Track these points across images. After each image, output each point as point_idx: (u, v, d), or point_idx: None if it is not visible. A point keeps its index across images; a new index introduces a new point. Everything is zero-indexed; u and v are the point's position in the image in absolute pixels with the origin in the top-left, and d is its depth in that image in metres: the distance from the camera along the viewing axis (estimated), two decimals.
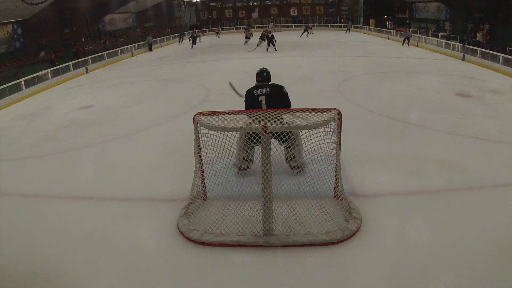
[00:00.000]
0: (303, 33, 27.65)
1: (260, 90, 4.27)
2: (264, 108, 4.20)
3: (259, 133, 3.20)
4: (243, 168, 4.44)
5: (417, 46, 19.57)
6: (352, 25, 32.12)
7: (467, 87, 9.69)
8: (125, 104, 9.22)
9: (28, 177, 5.31)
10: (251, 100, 4.36)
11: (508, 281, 2.94)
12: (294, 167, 4.46)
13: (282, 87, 4.35)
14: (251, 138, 3.60)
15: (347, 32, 29.31)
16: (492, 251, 3.26)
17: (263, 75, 4.47)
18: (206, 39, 24.00)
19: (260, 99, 4.25)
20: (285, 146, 4.32)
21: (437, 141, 5.93)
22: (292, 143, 4.17)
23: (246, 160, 4.41)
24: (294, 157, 4.43)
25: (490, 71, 12.45)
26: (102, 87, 12.03)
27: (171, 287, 3.04)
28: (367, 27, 29.50)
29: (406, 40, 19.96)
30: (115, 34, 25.68)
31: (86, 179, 5.05)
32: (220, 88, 10.27)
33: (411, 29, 25.43)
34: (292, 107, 4.33)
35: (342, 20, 34.31)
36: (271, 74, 4.61)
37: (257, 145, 3.58)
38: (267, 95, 4.20)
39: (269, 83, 4.46)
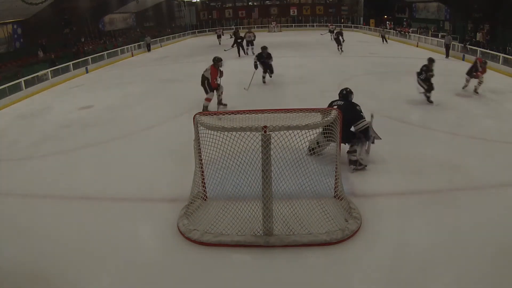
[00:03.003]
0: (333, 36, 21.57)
1: (337, 102, 5.20)
2: None
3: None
4: (312, 149, 4.52)
5: (417, 46, 19.56)
6: (388, 30, 24.05)
7: (467, 87, 9.68)
8: (125, 104, 9.22)
9: (28, 177, 5.31)
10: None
11: (508, 281, 2.94)
12: (352, 161, 4.92)
13: (356, 105, 5.14)
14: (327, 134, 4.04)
15: (385, 41, 21.35)
16: (492, 251, 3.26)
17: (342, 93, 5.36)
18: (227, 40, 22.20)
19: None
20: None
21: (437, 141, 5.94)
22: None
23: (318, 144, 4.62)
24: (355, 151, 4.91)
25: (490, 71, 12.41)
26: (102, 87, 12.02)
27: (171, 287, 3.04)
28: (367, 27, 29.47)
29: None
30: (115, 34, 25.64)
31: (86, 179, 5.05)
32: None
33: (449, 36, 16.45)
34: (292, 107, 4.35)
35: (342, 20, 34.28)
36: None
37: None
38: (339, 106, 5.00)
39: (348, 99, 5.27)
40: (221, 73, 7.88)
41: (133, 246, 3.57)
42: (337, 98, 5.33)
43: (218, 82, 7.83)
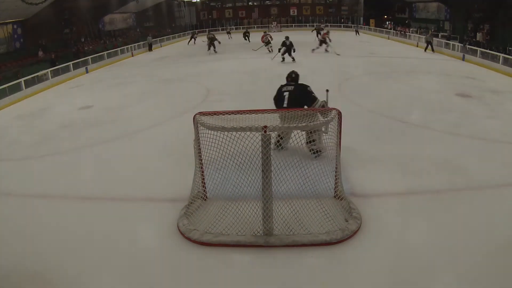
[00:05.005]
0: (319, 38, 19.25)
1: (287, 87, 5.08)
2: (286, 101, 4.96)
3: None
4: (277, 142, 4.51)
5: (417, 46, 19.56)
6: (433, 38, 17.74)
7: (467, 87, 9.68)
8: (125, 104, 9.22)
9: (28, 177, 5.31)
10: (278, 94, 5.20)
11: (508, 281, 2.94)
12: (313, 150, 4.91)
13: (307, 86, 5.03)
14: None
15: (427, 50, 16.74)
16: (492, 251, 3.26)
17: (291, 76, 5.30)
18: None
19: (284, 95, 5.04)
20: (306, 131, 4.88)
21: (437, 141, 5.93)
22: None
23: (281, 137, 4.61)
24: (314, 140, 4.91)
25: (490, 71, 12.44)
26: (102, 87, 12.02)
27: (171, 287, 3.04)
28: (367, 27, 29.47)
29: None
30: (115, 34, 25.64)
31: (86, 179, 5.05)
32: (220, 88, 10.28)
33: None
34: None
35: (342, 20, 34.30)
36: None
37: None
38: (290, 92, 4.96)
39: (297, 83, 5.20)
40: None
41: (133, 246, 3.56)
42: (287, 82, 5.29)
43: None
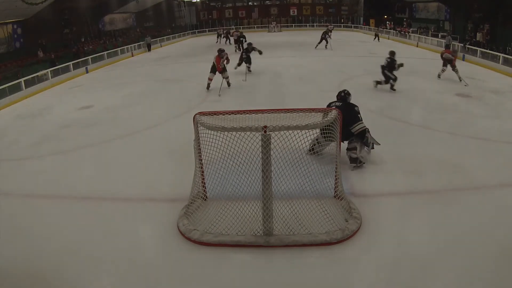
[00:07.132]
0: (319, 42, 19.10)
1: (335, 103, 5.21)
2: None
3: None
4: (312, 148, 4.50)
5: (417, 46, 19.56)
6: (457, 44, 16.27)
7: (467, 87, 9.68)
8: (125, 104, 9.22)
9: (28, 177, 5.31)
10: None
11: (508, 281, 2.94)
12: (352, 159, 4.92)
13: (355, 106, 5.15)
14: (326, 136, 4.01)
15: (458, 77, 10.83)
16: (492, 251, 3.26)
17: (340, 95, 5.37)
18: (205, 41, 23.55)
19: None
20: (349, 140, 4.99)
21: (437, 141, 5.94)
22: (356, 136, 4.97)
23: (318, 141, 4.54)
24: (355, 148, 4.91)
25: (490, 71, 12.44)
26: (102, 87, 12.01)
27: (171, 287, 3.05)
28: (367, 27, 29.46)
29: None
30: (115, 34, 25.63)
31: (86, 179, 5.05)
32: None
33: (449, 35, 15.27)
34: (292, 107, 4.37)
35: (342, 20, 34.29)
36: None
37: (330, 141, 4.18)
38: (337, 106, 4.98)
39: (345, 101, 5.26)
40: None
41: (133, 246, 3.57)
42: (335, 100, 5.33)
43: None
